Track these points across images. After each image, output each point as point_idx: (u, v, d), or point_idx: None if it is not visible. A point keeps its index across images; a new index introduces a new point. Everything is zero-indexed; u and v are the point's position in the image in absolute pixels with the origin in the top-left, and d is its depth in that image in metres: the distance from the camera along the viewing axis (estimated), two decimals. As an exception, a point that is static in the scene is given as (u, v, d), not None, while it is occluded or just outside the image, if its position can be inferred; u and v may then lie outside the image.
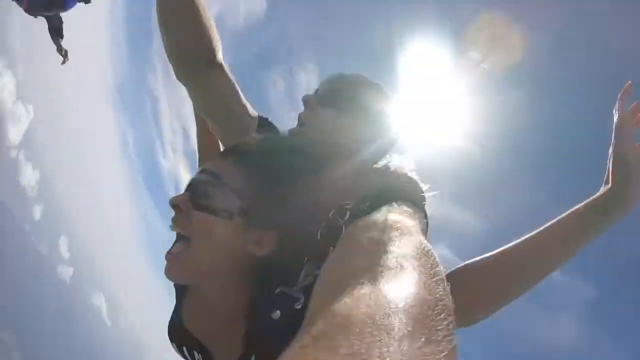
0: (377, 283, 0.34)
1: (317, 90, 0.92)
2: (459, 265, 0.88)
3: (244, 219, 0.69)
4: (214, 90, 0.90)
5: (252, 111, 0.98)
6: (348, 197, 0.71)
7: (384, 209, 0.60)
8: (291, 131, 0.87)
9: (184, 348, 0.81)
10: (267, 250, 0.69)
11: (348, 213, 0.67)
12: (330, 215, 0.69)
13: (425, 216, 0.75)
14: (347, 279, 0.36)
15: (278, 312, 0.62)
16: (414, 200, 0.72)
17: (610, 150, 0.84)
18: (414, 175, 0.80)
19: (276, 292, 0.65)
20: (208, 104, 0.95)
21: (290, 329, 0.40)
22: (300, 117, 0.88)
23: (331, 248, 0.56)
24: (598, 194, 0.84)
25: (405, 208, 0.65)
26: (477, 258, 0.87)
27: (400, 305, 0.30)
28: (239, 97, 0.93)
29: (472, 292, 0.83)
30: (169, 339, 0.83)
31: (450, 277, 0.78)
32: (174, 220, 0.71)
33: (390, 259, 0.38)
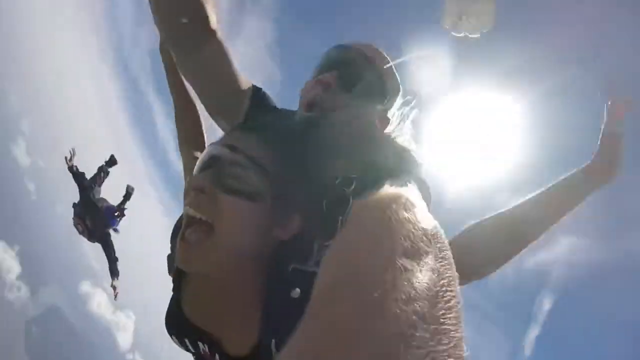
0: (387, 271, 0.32)
1: (324, 65, 0.88)
2: (466, 227, 0.98)
3: (274, 203, 0.65)
4: (205, 57, 0.85)
5: (246, 80, 0.93)
6: (354, 167, 0.71)
7: (391, 184, 0.55)
8: (314, 117, 0.82)
9: (186, 340, 0.76)
10: (291, 234, 0.67)
11: (354, 183, 0.67)
12: (336, 183, 0.68)
13: (428, 188, 0.76)
14: (357, 264, 0.34)
15: (298, 290, 0.59)
16: (419, 172, 0.74)
17: (602, 129, 1.01)
18: (416, 148, 0.80)
19: (290, 269, 0.63)
20: (198, 72, 0.89)
21: None
22: (318, 100, 0.83)
23: (340, 218, 0.55)
24: (581, 167, 0.99)
25: (412, 182, 0.63)
26: (479, 220, 0.98)
27: (412, 294, 0.29)
28: (231, 66, 0.88)
29: (478, 252, 0.94)
30: (168, 331, 0.79)
31: (459, 238, 0.95)
32: (192, 203, 0.64)
33: (401, 243, 0.35)
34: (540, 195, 1.00)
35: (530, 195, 1.00)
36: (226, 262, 0.67)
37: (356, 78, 0.86)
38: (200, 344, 0.74)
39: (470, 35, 1.26)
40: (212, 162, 0.67)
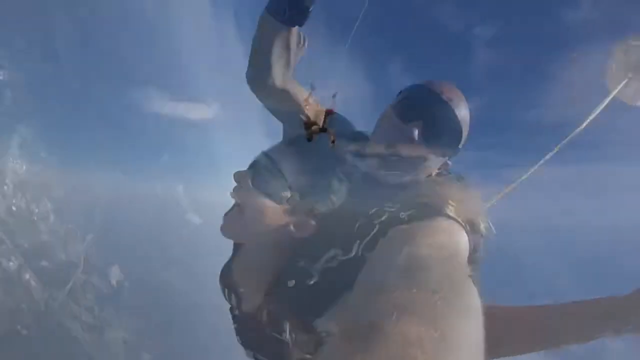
0: (388, 313, 0.36)
1: (407, 106, 0.89)
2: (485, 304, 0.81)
3: (291, 207, 0.83)
4: (277, 100, 1.03)
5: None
6: (392, 200, 0.75)
7: (426, 222, 0.58)
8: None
9: (226, 290, 0.96)
10: (305, 235, 0.82)
11: (386, 215, 0.71)
12: (370, 213, 0.74)
13: (468, 232, 0.73)
14: (365, 303, 0.39)
15: (293, 281, 0.75)
16: (457, 218, 0.73)
17: None
18: (466, 198, 0.79)
19: (298, 265, 0.77)
20: (274, 109, 1.10)
21: (297, 300, 0.58)
22: (395, 144, 0.86)
23: (358, 242, 0.62)
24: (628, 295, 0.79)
25: (447, 224, 0.65)
26: (504, 305, 0.87)
27: (410, 339, 0.32)
28: (299, 105, 1.02)
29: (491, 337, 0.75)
30: (219, 280, 0.99)
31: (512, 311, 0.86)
32: (234, 190, 0.87)
33: (409, 282, 0.38)
34: (577, 311, 0.82)
35: (565, 305, 0.83)
36: (248, 237, 0.88)
37: (438, 135, 0.86)
38: (233, 296, 0.94)
39: (634, 104, 1.13)
40: (252, 164, 0.89)
